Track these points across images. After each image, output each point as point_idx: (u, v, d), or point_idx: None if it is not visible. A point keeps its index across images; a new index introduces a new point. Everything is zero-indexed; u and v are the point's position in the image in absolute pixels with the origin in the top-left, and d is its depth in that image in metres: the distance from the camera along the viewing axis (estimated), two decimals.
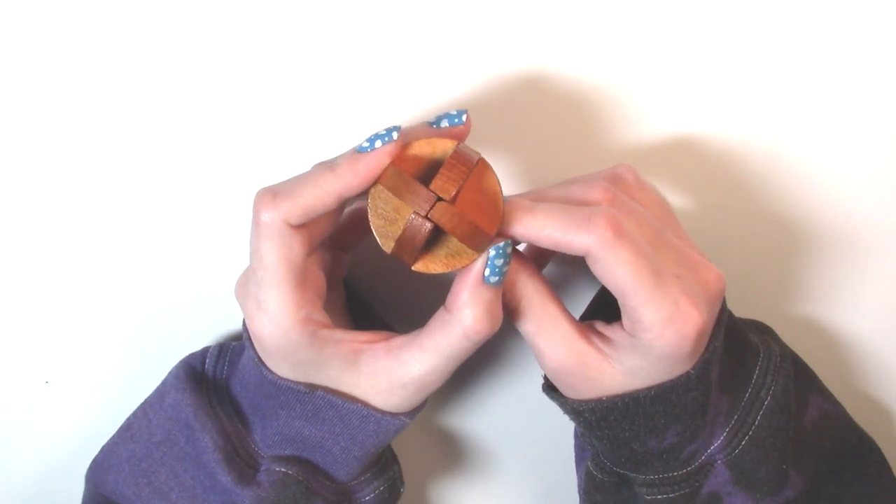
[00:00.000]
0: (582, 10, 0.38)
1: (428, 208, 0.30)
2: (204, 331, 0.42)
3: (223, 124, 0.39)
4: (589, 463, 0.38)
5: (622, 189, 0.34)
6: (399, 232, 0.31)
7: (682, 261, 0.33)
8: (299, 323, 0.32)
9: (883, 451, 0.39)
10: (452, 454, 0.46)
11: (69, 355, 0.42)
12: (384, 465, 0.38)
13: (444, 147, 0.32)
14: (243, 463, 0.36)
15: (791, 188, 0.41)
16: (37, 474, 0.44)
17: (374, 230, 0.31)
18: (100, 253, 0.41)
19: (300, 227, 0.32)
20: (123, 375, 0.42)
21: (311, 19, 0.38)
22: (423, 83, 0.39)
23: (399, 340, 0.34)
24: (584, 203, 0.33)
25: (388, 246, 0.31)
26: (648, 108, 0.40)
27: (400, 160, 0.31)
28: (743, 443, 0.35)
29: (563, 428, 0.41)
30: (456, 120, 0.33)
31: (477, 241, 0.31)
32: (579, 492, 0.40)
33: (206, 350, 0.39)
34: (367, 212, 0.32)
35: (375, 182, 0.31)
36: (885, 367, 0.44)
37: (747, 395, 0.35)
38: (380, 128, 0.32)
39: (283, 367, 0.34)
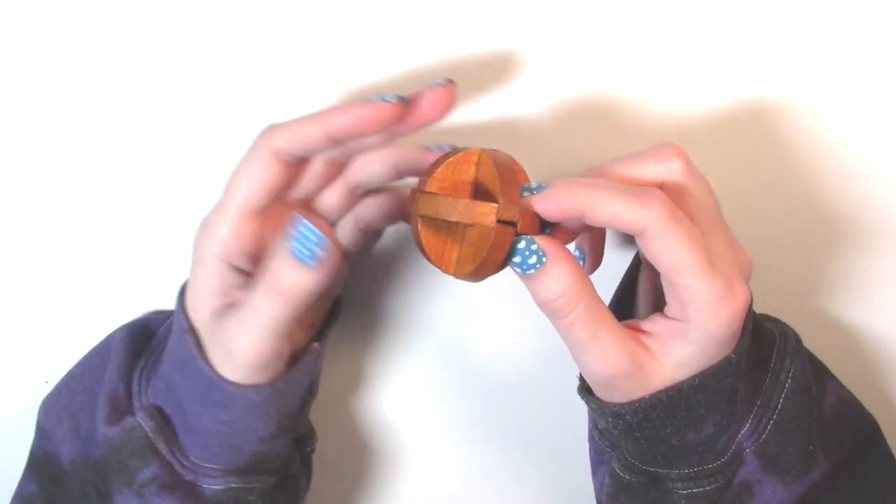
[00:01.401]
0: (585, 4, 0.38)
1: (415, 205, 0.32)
2: None
3: (214, 128, 0.39)
4: (614, 465, 0.37)
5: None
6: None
7: (728, 237, 0.33)
8: (232, 241, 0.33)
9: (892, 444, 0.38)
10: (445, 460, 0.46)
11: (69, 355, 0.42)
12: (253, 469, 0.37)
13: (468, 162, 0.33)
14: (126, 404, 0.37)
15: (803, 182, 0.41)
16: None
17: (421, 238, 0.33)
18: (100, 253, 0.41)
19: (280, 160, 0.33)
20: None
21: (311, 20, 0.38)
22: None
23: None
24: (641, 184, 0.33)
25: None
26: (656, 102, 0.39)
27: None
28: (769, 427, 0.35)
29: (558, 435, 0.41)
30: (390, 99, 0.32)
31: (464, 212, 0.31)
32: (599, 497, 0.40)
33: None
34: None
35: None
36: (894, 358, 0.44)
37: (768, 380, 0.35)
38: None
39: (195, 287, 0.34)
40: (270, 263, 0.32)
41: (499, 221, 0.31)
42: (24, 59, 0.38)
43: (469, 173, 0.32)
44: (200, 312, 0.34)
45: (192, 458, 0.36)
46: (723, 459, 0.35)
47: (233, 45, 0.38)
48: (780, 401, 0.35)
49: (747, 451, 0.35)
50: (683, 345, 0.32)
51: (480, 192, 0.32)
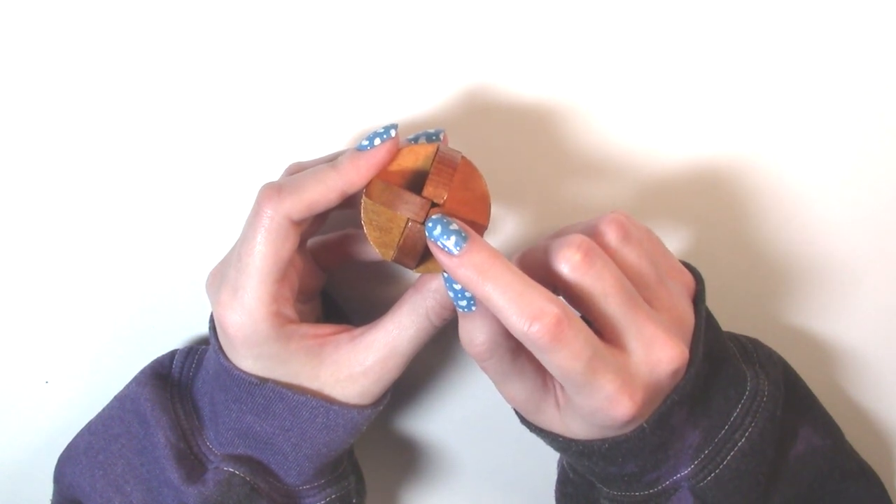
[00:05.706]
0: (569, 28, 0.38)
1: (424, 215, 0.32)
2: (205, 331, 0.43)
3: (203, 133, 0.39)
4: (564, 460, 0.39)
5: (602, 246, 0.32)
6: (396, 240, 0.32)
7: (641, 334, 0.31)
8: (271, 315, 0.33)
9: (873, 452, 0.39)
10: (436, 463, 0.47)
11: (69, 355, 0.42)
12: (340, 475, 0.38)
13: (426, 153, 0.33)
14: (195, 460, 0.36)
15: (785, 210, 0.41)
16: (37, 474, 0.44)
17: (372, 242, 0.33)
18: (100, 253, 0.41)
19: (297, 224, 0.33)
20: (123, 376, 0.42)
21: (311, 23, 0.38)
22: (416, 88, 0.39)
23: (362, 329, 0.35)
24: (548, 274, 0.31)
25: (388, 255, 0.33)
26: (644, 121, 0.40)
27: (385, 173, 0.33)
28: (708, 478, 0.35)
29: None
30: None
31: None
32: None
33: (173, 353, 0.40)
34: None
35: (365, 197, 0.32)
36: (873, 374, 0.45)
37: (722, 433, 0.35)
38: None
39: (245, 359, 0.34)
40: (428, 291, 0.34)
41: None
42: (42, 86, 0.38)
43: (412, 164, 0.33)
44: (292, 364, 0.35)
45: (289, 484, 0.36)
46: (652, 490, 0.35)
47: (232, 45, 0.38)
48: (728, 458, 0.34)
49: (684, 487, 0.35)
50: (575, 416, 0.33)
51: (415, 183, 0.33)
